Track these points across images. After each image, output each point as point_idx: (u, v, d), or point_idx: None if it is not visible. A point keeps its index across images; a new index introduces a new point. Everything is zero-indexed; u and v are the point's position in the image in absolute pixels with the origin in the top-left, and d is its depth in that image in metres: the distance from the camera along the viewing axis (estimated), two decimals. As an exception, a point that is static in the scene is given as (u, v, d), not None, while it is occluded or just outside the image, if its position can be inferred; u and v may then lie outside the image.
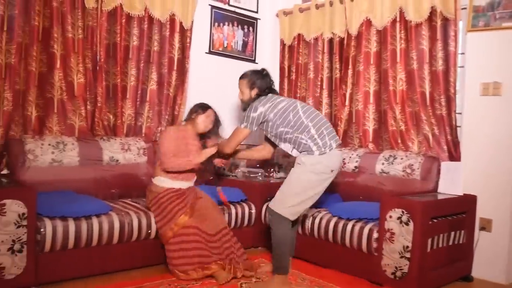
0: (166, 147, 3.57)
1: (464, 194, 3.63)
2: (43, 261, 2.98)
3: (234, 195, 4.09)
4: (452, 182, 3.65)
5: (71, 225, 3.07)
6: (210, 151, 3.62)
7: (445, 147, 3.89)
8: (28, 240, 2.85)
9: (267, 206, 3.35)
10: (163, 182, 3.60)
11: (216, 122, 3.83)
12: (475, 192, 3.70)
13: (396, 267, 3.18)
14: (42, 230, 2.95)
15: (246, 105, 3.39)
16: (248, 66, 5.31)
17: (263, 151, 3.71)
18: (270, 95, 3.35)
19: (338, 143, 3.26)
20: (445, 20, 3.86)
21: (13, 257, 2.80)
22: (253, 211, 4.17)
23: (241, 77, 3.48)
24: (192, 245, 3.32)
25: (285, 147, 3.31)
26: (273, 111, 3.22)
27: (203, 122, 3.73)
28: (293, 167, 3.26)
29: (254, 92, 3.38)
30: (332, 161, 3.19)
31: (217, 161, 3.81)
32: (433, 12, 3.93)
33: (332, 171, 3.20)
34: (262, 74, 3.43)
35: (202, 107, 3.77)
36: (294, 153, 3.26)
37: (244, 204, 4.15)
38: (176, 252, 3.32)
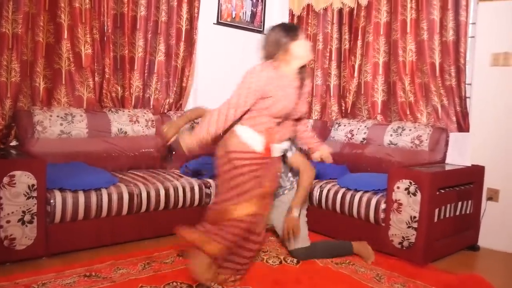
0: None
1: (472, 164, 3.63)
2: (53, 232, 3.01)
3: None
4: (460, 153, 3.65)
5: (81, 196, 3.09)
6: None
7: (454, 118, 3.86)
8: (38, 211, 2.88)
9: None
10: (251, 139, 2.65)
11: None
12: (483, 162, 3.69)
13: (403, 237, 3.20)
14: (52, 201, 2.97)
15: None
16: (256, 38, 5.28)
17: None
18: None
19: None
20: (457, -11, 3.79)
21: (23, 228, 2.84)
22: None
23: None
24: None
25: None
26: None
27: (299, 49, 2.67)
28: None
29: None
30: None
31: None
32: (444, -20, 3.85)
33: None
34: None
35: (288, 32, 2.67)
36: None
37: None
38: (230, 234, 2.61)
